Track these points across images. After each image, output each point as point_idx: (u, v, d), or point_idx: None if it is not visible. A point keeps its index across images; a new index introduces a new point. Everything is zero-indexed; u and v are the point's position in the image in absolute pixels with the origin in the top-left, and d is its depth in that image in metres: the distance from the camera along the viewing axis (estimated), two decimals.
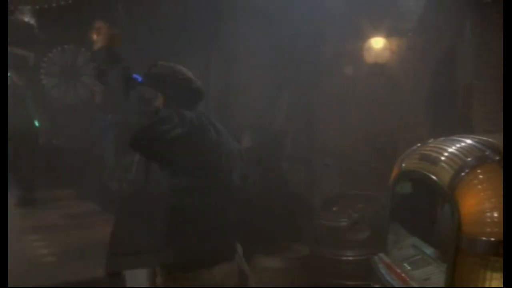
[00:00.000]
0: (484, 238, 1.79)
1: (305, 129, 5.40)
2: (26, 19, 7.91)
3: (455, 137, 2.21)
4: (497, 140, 1.98)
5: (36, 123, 7.46)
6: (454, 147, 2.10)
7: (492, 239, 1.77)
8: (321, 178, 4.98)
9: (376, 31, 4.42)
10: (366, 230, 3.35)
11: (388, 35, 4.39)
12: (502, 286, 1.76)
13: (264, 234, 4.54)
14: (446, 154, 2.09)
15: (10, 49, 8.19)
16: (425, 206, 2.34)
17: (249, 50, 6.21)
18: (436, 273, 2.08)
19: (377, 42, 4.41)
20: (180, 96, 2.29)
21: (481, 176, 1.88)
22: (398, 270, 2.20)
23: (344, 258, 3.42)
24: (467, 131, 2.85)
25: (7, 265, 2.27)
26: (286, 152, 5.58)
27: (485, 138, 2.06)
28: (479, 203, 1.83)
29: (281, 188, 5.32)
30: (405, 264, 2.25)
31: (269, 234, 4.56)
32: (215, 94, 7.23)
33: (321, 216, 3.64)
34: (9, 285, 2.35)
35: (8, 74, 7.52)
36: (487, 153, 1.93)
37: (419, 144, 2.43)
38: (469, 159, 1.96)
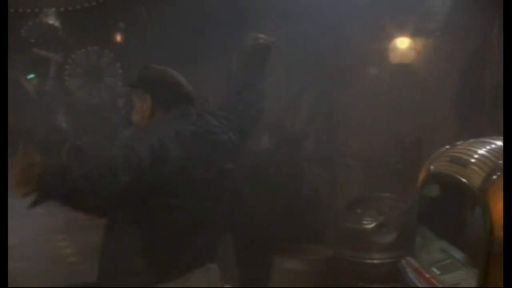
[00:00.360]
0: None
1: (327, 130, 5.36)
2: (50, 21, 7.99)
3: (485, 139, 2.17)
4: None
5: (64, 125, 7.54)
6: (484, 149, 2.06)
7: None
8: (343, 180, 4.93)
9: (401, 31, 4.36)
10: (392, 233, 3.31)
11: (413, 35, 4.33)
12: None
13: (286, 236, 4.52)
14: (476, 156, 2.04)
15: (35, 51, 8.32)
16: (454, 209, 2.30)
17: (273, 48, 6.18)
18: (466, 278, 2.04)
19: (402, 42, 4.35)
20: (169, 100, 2.27)
21: None
22: (427, 275, 2.16)
23: (369, 261, 3.38)
24: (496, 132, 2.78)
25: (7, 265, 2.22)
26: (307, 153, 5.54)
27: None
28: None
29: (302, 189, 5.29)
30: (434, 269, 2.21)
31: (291, 236, 4.54)
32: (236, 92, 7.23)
33: (345, 218, 3.60)
34: (29, 285, 2.33)
35: (32, 76, 7.62)
36: None
37: (447, 146, 2.39)
38: (500, 161, 1.92)
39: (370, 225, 3.36)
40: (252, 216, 4.43)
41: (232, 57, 7.48)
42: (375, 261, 3.38)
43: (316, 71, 5.27)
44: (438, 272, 2.18)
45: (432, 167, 2.32)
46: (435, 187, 2.40)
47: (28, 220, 3.64)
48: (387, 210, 3.57)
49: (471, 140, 2.23)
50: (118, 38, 8.47)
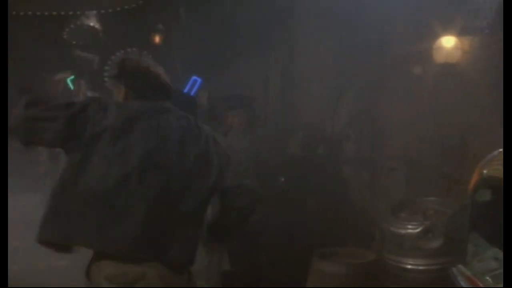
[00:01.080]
0: None
1: (368, 131, 5.26)
2: (91, 23, 8.12)
3: None
4: None
5: None
6: None
7: None
8: (386, 182, 4.82)
9: (447, 30, 4.23)
10: (438, 239, 3.20)
11: (460, 33, 4.20)
12: None
13: (327, 239, 4.45)
14: None
15: (77, 52, 8.47)
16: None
17: (311, 50, 6.14)
18: None
19: (448, 41, 4.22)
20: (143, 90, 2.27)
21: None
22: (481, 285, 2.06)
23: (414, 266, 3.28)
24: None
25: (7, 265, 2.23)
26: (348, 155, 5.45)
27: None
28: None
29: (342, 191, 5.21)
30: (488, 278, 2.11)
31: (331, 239, 4.47)
32: (275, 94, 7.20)
33: (389, 222, 3.51)
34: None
35: (73, 77, 7.75)
36: None
37: (500, 150, 2.28)
38: None
39: (416, 229, 3.25)
40: (291, 218, 4.38)
41: (270, 59, 7.49)
42: (420, 267, 3.28)
43: (358, 71, 5.18)
44: (492, 282, 2.08)
45: (485, 171, 2.22)
46: (488, 191, 2.30)
47: None
48: (432, 214, 3.46)
49: None
50: (157, 39, 8.55)
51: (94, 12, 8.02)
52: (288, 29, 6.67)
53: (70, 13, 7.98)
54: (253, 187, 2.32)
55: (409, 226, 3.31)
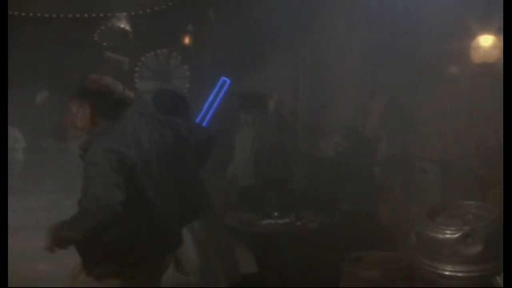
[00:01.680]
0: None
1: (401, 132, 5.15)
2: (122, 25, 8.20)
3: None
4: None
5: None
6: None
7: None
8: (419, 185, 4.71)
9: (484, 28, 4.10)
10: (478, 245, 3.08)
11: (499, 32, 4.06)
12: None
13: (359, 242, 4.36)
14: None
15: (107, 54, 8.55)
16: None
17: (341, 49, 6.06)
18: None
19: (486, 40, 4.08)
20: (106, 107, 2.50)
21: None
22: None
23: (452, 273, 3.17)
24: None
25: (7, 265, 2.30)
26: (380, 157, 5.35)
27: None
28: None
29: (375, 193, 5.11)
30: None
31: (364, 242, 4.38)
32: (306, 94, 7.14)
33: (424, 226, 3.41)
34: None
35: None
36: None
37: None
38: None
39: (454, 234, 3.14)
40: (322, 220, 4.31)
41: (298, 59, 7.44)
42: (459, 274, 3.16)
43: (390, 70, 5.08)
44: None
45: None
46: None
47: None
48: (471, 219, 3.34)
49: None
50: (187, 40, 8.59)
51: (125, 14, 8.09)
52: (316, 28, 6.60)
53: (101, 15, 8.07)
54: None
55: (447, 231, 3.20)
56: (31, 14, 7.58)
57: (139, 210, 2.33)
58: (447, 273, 3.21)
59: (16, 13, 7.51)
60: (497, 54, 4.13)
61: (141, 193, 2.34)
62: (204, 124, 8.17)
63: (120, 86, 2.58)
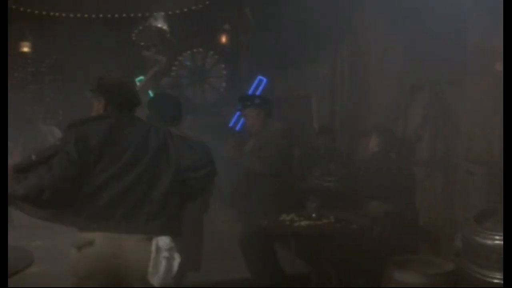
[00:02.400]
0: None
1: (443, 133, 4.98)
2: (159, 25, 8.24)
3: None
4: None
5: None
6: None
7: None
8: (464, 188, 4.54)
9: None
10: None
11: None
12: None
13: (400, 246, 4.25)
14: None
15: (144, 53, 8.61)
16: None
17: (381, 47, 5.92)
18: None
19: None
20: (121, 102, 2.75)
21: None
22: None
23: (501, 281, 3.03)
24: None
25: (7, 265, 2.35)
26: (421, 158, 5.20)
27: None
28: None
29: (415, 195, 4.98)
30: None
31: (406, 247, 4.27)
32: (344, 94, 7.02)
33: (472, 231, 3.27)
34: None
35: (141, 78, 7.90)
36: None
37: None
38: None
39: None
40: (362, 222, 4.21)
41: (337, 58, 7.32)
42: None
43: (432, 68, 4.93)
44: None
45: None
46: None
47: None
48: None
49: None
50: (223, 39, 8.59)
51: (162, 13, 8.13)
52: (355, 25, 6.48)
53: (139, 15, 8.14)
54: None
55: (497, 237, 3.06)
56: (71, 15, 7.70)
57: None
58: (496, 280, 3.07)
59: (57, 14, 7.65)
60: None
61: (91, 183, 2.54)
62: (239, 126, 8.17)
63: (134, 86, 3.02)
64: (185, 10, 7.97)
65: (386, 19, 5.64)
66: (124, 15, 8.08)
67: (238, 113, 8.10)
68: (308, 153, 5.97)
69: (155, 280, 2.48)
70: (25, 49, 8.21)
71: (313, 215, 3.83)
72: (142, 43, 8.59)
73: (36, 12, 7.57)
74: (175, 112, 3.83)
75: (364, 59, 6.47)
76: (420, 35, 5.00)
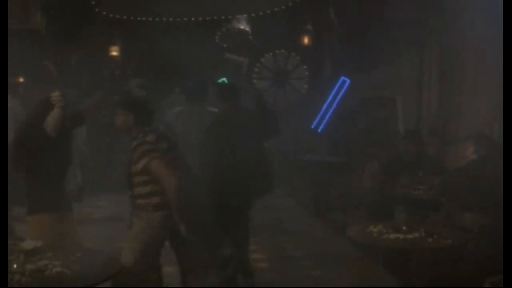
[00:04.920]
0: None
1: None
2: (242, 27, 8.28)
3: None
4: None
5: None
6: None
7: None
8: None
9: None
10: None
11: None
12: None
13: (499, 265, 3.96)
14: None
15: (227, 55, 8.69)
16: None
17: (472, 47, 5.61)
18: None
19: None
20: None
21: None
22: None
23: None
24: None
25: (7, 265, 2.35)
26: None
27: None
28: None
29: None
30: None
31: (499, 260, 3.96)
32: (432, 97, 6.72)
33: None
34: None
35: (224, 79, 7.96)
36: None
37: None
38: None
39: None
40: (457, 237, 3.96)
41: (423, 58, 7.01)
42: None
43: None
44: None
45: None
46: None
47: None
48: None
49: None
50: (306, 40, 8.48)
51: (245, 15, 8.16)
52: (448, 27, 6.16)
53: (222, 17, 8.20)
54: None
55: None
56: (156, 19, 7.89)
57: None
58: None
59: (143, 18, 7.86)
60: None
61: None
62: (321, 127, 8.04)
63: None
64: (268, 11, 7.94)
65: (483, 18, 5.30)
66: (207, 18, 8.17)
67: (324, 109, 7.99)
68: (394, 159, 5.72)
69: None
70: (114, 53, 8.50)
71: (403, 227, 3.63)
72: (224, 45, 8.67)
73: (124, 17, 7.81)
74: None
75: (457, 59, 6.14)
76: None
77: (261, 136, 4.12)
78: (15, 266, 2.50)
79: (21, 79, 8.64)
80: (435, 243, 3.55)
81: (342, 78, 8.16)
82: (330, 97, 8.11)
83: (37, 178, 3.34)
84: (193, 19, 8.25)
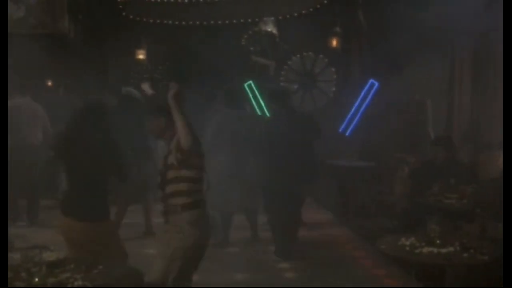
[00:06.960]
0: None
1: None
2: (269, 29, 8.19)
3: None
4: None
5: None
6: None
7: None
8: None
9: None
10: None
11: None
12: None
13: None
14: None
15: (254, 58, 8.60)
16: None
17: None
18: None
19: None
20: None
21: None
22: None
23: None
24: None
25: (7, 265, 2.36)
26: None
27: None
28: None
29: None
30: None
31: None
32: (463, 101, 6.53)
33: None
34: None
35: (250, 82, 7.89)
36: None
37: None
38: None
39: None
40: (495, 252, 3.79)
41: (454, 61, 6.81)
42: None
43: None
44: None
45: None
46: None
47: None
48: None
49: None
50: (334, 43, 8.32)
51: (272, 18, 8.07)
52: (481, 28, 5.96)
53: (249, 20, 8.14)
54: None
55: None
56: (183, 23, 7.87)
57: None
58: None
59: (170, 22, 7.85)
60: None
61: None
62: (349, 131, 7.90)
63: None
64: (295, 14, 7.84)
65: None
66: (234, 21, 8.12)
67: (352, 112, 7.86)
68: (424, 165, 5.54)
69: None
70: (141, 56, 8.50)
71: (437, 241, 3.47)
72: (251, 48, 8.59)
73: (151, 21, 7.81)
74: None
75: (489, 61, 5.94)
76: None
77: (310, 136, 5.02)
78: (36, 279, 2.46)
79: (49, 83, 8.73)
80: (471, 259, 3.39)
81: (371, 81, 8.00)
82: (358, 100, 7.97)
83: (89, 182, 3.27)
84: (219, 22, 8.21)
